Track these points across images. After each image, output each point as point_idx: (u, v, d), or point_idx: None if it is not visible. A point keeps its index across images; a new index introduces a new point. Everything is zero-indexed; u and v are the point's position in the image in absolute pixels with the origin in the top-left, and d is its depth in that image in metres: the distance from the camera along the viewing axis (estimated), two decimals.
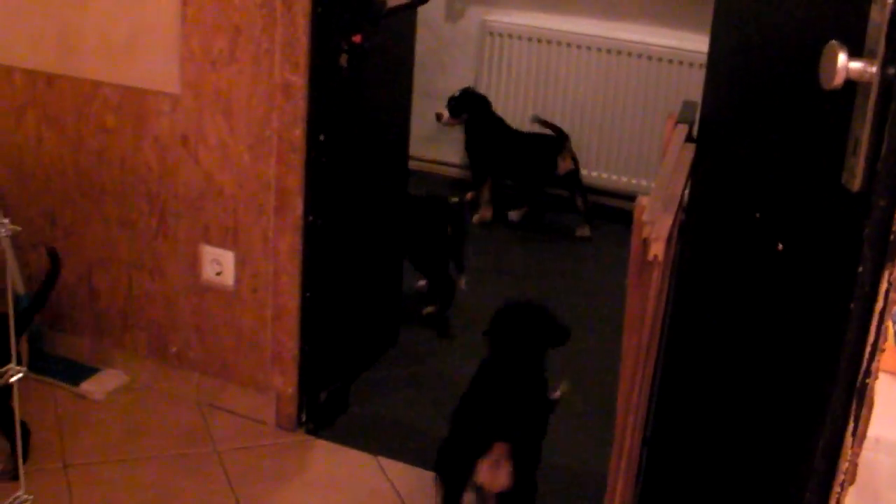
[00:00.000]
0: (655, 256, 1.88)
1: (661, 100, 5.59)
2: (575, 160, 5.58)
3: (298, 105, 3.33)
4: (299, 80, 3.30)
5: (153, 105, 3.55)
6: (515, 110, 5.90)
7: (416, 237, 4.47)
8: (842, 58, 1.52)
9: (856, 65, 1.53)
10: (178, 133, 3.53)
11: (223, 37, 3.37)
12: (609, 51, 5.67)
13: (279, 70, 3.32)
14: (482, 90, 5.90)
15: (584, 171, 5.77)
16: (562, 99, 5.82)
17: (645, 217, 1.94)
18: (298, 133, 3.36)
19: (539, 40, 5.79)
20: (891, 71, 1.51)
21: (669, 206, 2.06)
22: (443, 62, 6.07)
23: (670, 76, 5.58)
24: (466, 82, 5.98)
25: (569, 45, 5.74)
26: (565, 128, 5.68)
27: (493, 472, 2.97)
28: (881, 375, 2.39)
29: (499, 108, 5.86)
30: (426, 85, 5.75)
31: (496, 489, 3.01)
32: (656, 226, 1.92)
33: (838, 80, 1.53)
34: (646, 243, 1.91)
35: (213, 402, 3.79)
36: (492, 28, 5.86)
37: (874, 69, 1.52)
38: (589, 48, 5.70)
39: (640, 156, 5.73)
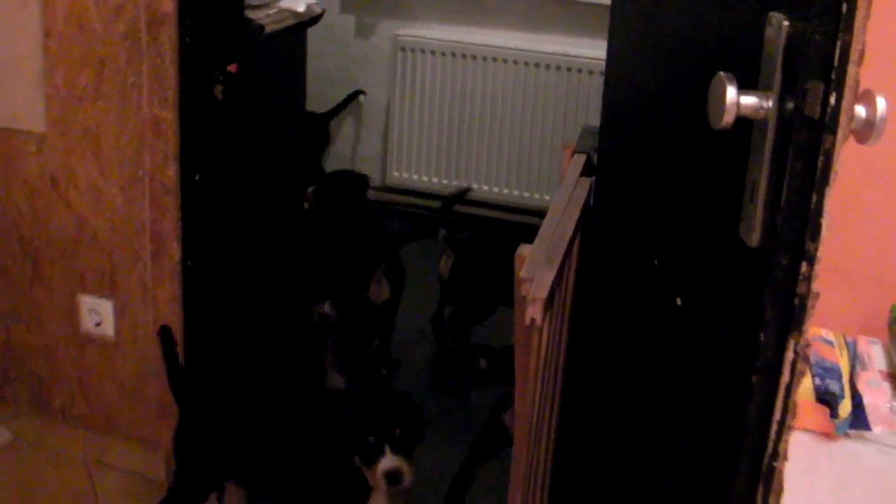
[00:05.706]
0: (533, 320, 1.63)
1: (582, 111, 5.44)
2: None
3: (170, 142, 3.10)
4: (169, 116, 3.07)
5: (20, 145, 3.32)
6: (431, 125, 5.74)
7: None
8: (731, 92, 1.29)
9: (749, 100, 1.30)
10: (47, 174, 3.30)
11: (88, 71, 3.14)
12: (526, 63, 5.52)
13: (147, 105, 3.09)
14: (396, 106, 5.76)
15: (502, 190, 5.65)
16: (478, 113, 5.66)
17: (524, 273, 1.69)
18: (171, 173, 3.13)
19: (453, 54, 5.63)
20: (789, 105, 1.27)
21: (554, 255, 1.81)
22: (355, 79, 5.91)
23: (590, 86, 5.40)
24: (380, 99, 5.88)
25: (483, 58, 5.58)
26: (482, 143, 5.60)
27: None
28: (803, 435, 2.19)
29: (413, 123, 5.73)
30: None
31: None
32: (535, 284, 1.66)
33: (728, 119, 1.30)
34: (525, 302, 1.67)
35: (100, 459, 3.57)
36: (404, 43, 5.69)
37: (770, 104, 1.28)
38: (504, 60, 5.55)
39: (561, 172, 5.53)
